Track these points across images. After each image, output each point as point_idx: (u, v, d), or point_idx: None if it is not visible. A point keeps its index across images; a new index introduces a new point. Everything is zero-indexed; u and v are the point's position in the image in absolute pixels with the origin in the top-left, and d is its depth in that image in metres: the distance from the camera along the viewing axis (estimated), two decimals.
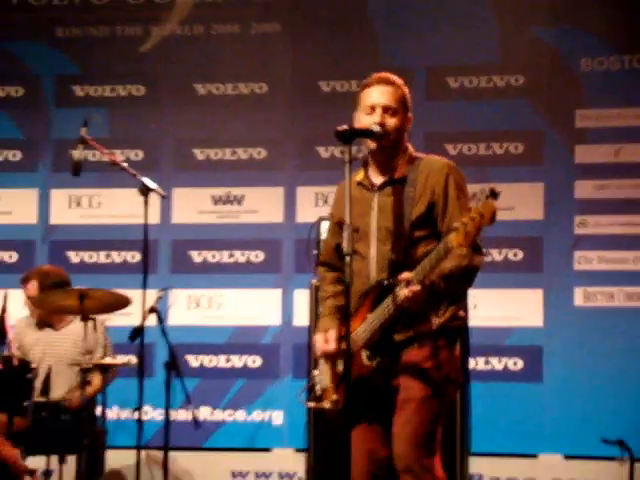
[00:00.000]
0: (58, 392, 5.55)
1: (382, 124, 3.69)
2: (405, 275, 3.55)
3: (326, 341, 3.83)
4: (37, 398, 5.35)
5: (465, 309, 4.41)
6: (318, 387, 3.96)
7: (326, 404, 3.87)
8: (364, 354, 3.74)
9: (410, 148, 3.88)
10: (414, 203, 3.83)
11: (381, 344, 3.76)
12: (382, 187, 3.84)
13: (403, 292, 3.56)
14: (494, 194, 3.24)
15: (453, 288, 3.77)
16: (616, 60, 6.69)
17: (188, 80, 7.12)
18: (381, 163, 3.86)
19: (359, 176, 3.87)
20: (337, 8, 7.02)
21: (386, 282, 3.73)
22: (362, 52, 6.89)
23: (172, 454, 5.74)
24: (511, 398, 6.47)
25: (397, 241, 3.85)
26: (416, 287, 3.49)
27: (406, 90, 3.81)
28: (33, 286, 5.69)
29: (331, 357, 3.86)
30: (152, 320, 5.24)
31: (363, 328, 3.77)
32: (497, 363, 6.56)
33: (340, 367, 3.81)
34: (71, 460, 5.50)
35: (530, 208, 6.64)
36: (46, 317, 5.85)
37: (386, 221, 3.86)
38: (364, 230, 3.86)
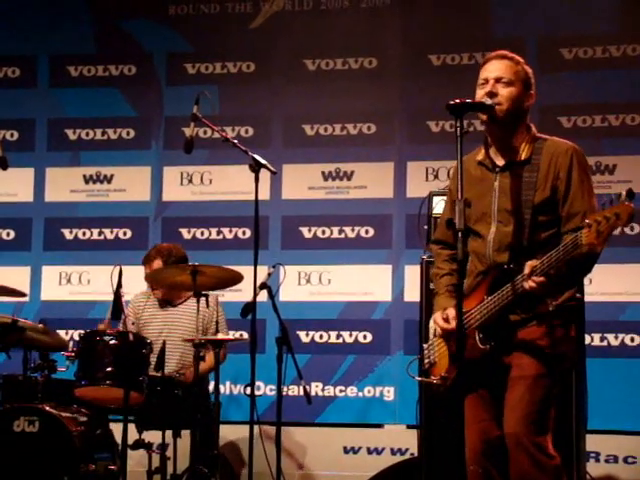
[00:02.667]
0: (172, 367, 5.63)
1: (493, 93, 3.64)
2: (531, 263, 3.53)
3: (445, 319, 3.81)
4: (152, 373, 5.37)
5: (582, 289, 4.34)
6: (427, 361, 3.98)
7: (434, 379, 3.90)
8: (477, 336, 3.74)
9: (533, 128, 3.83)
10: (537, 187, 3.80)
11: (496, 327, 3.76)
12: (504, 169, 3.80)
13: (528, 283, 3.54)
14: (631, 195, 3.27)
15: (576, 277, 3.78)
16: None
17: (298, 56, 7.14)
18: (501, 141, 3.82)
19: (480, 155, 3.85)
20: None
21: (506, 266, 3.72)
22: (473, 24, 6.86)
23: (285, 429, 5.76)
24: (629, 374, 6.36)
25: (519, 224, 3.82)
26: (541, 278, 3.47)
27: (527, 68, 3.78)
28: (158, 265, 5.82)
29: (447, 335, 3.84)
30: (263, 296, 5.27)
31: (479, 309, 3.75)
32: (613, 339, 6.47)
33: (453, 346, 3.80)
34: (185, 434, 5.53)
35: None
36: (164, 294, 5.94)
37: (508, 203, 3.81)
38: (484, 211, 3.83)
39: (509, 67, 3.79)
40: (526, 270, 3.57)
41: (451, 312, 3.82)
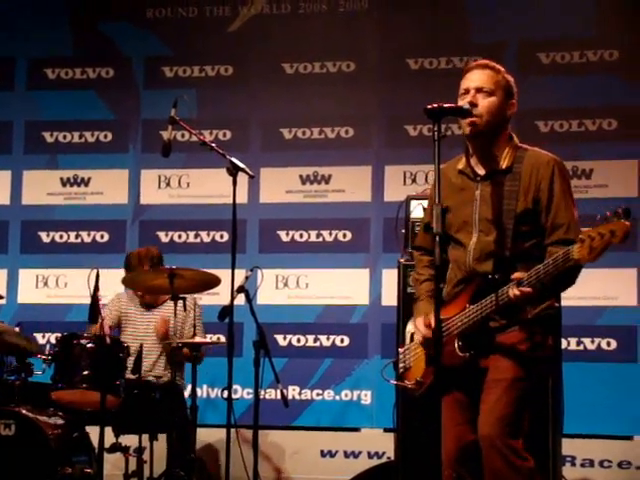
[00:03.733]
0: (147, 370, 5.69)
1: (473, 104, 3.63)
2: (518, 275, 3.53)
3: (427, 325, 3.81)
4: (128, 376, 5.41)
5: (559, 297, 4.19)
6: (402, 365, 4.02)
7: (409, 383, 3.94)
8: (457, 344, 3.75)
9: (515, 138, 3.82)
10: (519, 196, 3.78)
11: (476, 335, 3.78)
12: (486, 178, 3.80)
13: (513, 292, 3.55)
14: (627, 213, 3.22)
15: (560, 289, 3.77)
16: None
17: (276, 59, 7.12)
18: (482, 151, 3.82)
19: (460, 164, 3.86)
20: None
21: (490, 276, 3.73)
22: (451, 28, 6.86)
23: (262, 432, 5.81)
24: (605, 379, 6.39)
25: (501, 233, 3.81)
26: (528, 289, 3.48)
27: (509, 77, 3.76)
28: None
29: (428, 341, 3.83)
30: (241, 299, 5.25)
31: (460, 318, 3.77)
32: (590, 343, 6.48)
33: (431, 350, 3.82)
34: (162, 438, 5.57)
35: (625, 185, 6.51)
36: (143, 297, 5.98)
37: (489, 212, 3.81)
38: (465, 220, 3.83)
39: (490, 77, 3.78)
40: (514, 277, 3.58)
41: (432, 318, 3.75)
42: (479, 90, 3.70)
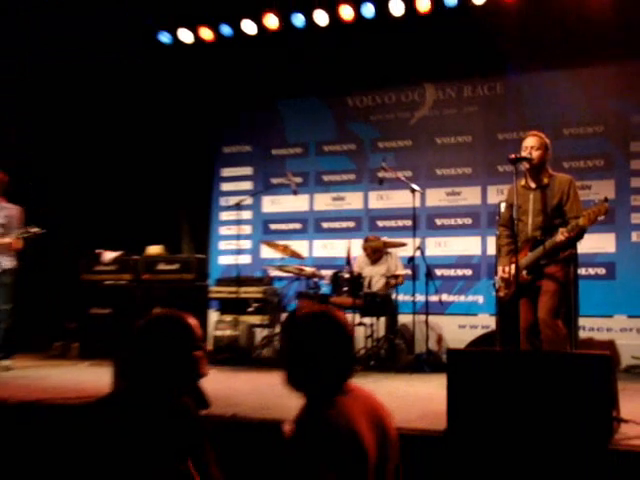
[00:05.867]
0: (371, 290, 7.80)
1: (530, 154, 5.06)
2: (562, 230, 4.82)
3: (503, 271, 5.22)
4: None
5: (575, 248, 5.50)
6: (497, 286, 5.45)
7: (500, 294, 5.43)
8: (524, 272, 5.10)
9: (549, 169, 5.11)
10: (553, 199, 5.01)
11: (533, 267, 5.11)
12: (535, 189, 5.08)
13: (560, 237, 4.83)
14: (605, 200, 4.67)
15: (576, 240, 5.01)
16: None
17: (434, 134, 9.65)
18: (533, 176, 5.11)
19: (522, 182, 5.15)
20: None
21: (539, 238, 5.02)
22: (519, 113, 8.93)
23: (423, 317, 7.65)
24: (599, 287, 8.29)
25: (544, 216, 5.08)
26: (568, 235, 4.82)
27: (547, 139, 5.15)
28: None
29: (507, 279, 5.20)
30: (418, 252, 7.56)
31: (525, 260, 5.03)
32: (591, 271, 8.51)
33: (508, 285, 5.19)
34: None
35: (606, 192, 7.56)
36: (368, 256, 8.29)
37: (537, 205, 5.05)
38: (525, 209, 5.10)
39: (537, 140, 5.12)
40: (561, 231, 4.85)
41: (506, 268, 5.21)
42: (532, 147, 5.04)
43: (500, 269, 5.39)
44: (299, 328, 2.67)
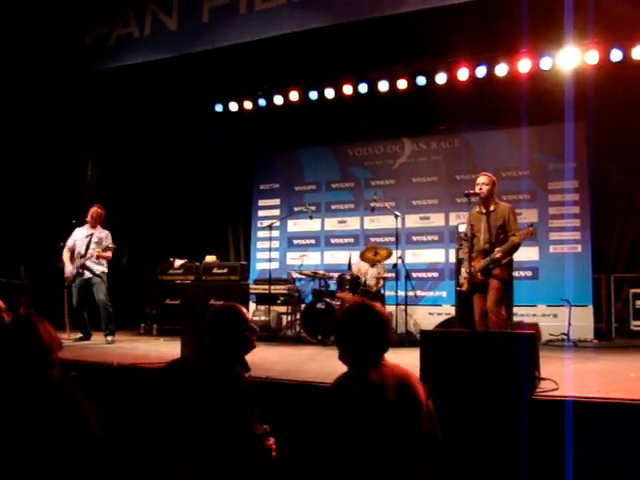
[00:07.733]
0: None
1: (480, 189, 5.49)
2: (498, 249, 5.26)
3: (466, 272, 5.53)
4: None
5: (512, 256, 5.73)
6: (461, 281, 5.78)
7: (462, 288, 5.82)
8: (479, 274, 5.49)
9: (496, 199, 5.54)
10: (497, 220, 5.44)
11: (485, 270, 5.51)
12: (485, 213, 5.49)
13: (497, 254, 5.29)
14: (532, 225, 5.68)
15: (511, 253, 5.44)
16: None
17: (427, 173, 9.76)
18: (484, 204, 5.54)
19: (477, 209, 5.60)
20: None
21: (488, 250, 5.34)
22: (469, 159, 9.48)
23: (400, 308, 8.02)
24: (526, 286, 8.64)
25: (492, 233, 5.43)
26: (501, 253, 5.26)
27: (494, 178, 5.62)
28: None
29: (467, 277, 5.61)
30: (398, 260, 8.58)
31: (479, 265, 5.49)
32: (522, 273, 8.77)
33: (467, 276, 5.65)
34: None
35: (531, 218, 8.49)
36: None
37: (487, 226, 5.38)
38: (479, 228, 5.52)
39: (487, 178, 5.60)
40: (496, 250, 5.21)
41: (466, 270, 5.53)
42: (483, 183, 5.48)
43: (463, 270, 5.74)
44: (351, 315, 2.74)
